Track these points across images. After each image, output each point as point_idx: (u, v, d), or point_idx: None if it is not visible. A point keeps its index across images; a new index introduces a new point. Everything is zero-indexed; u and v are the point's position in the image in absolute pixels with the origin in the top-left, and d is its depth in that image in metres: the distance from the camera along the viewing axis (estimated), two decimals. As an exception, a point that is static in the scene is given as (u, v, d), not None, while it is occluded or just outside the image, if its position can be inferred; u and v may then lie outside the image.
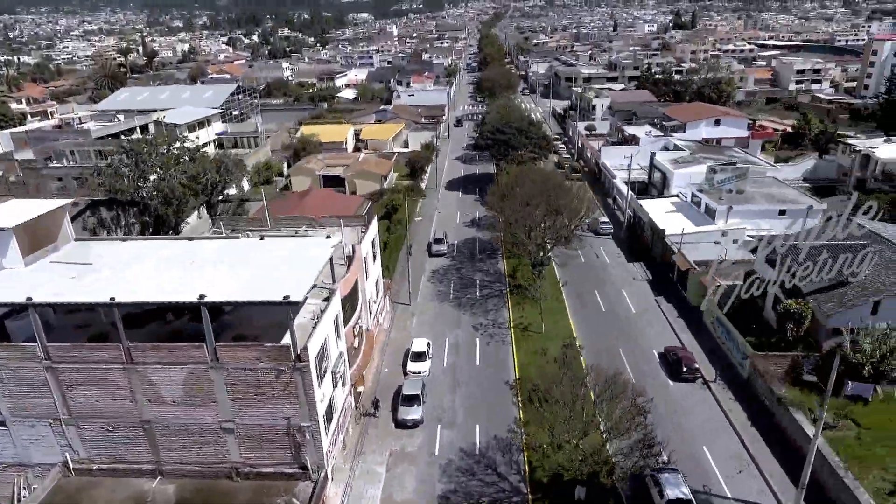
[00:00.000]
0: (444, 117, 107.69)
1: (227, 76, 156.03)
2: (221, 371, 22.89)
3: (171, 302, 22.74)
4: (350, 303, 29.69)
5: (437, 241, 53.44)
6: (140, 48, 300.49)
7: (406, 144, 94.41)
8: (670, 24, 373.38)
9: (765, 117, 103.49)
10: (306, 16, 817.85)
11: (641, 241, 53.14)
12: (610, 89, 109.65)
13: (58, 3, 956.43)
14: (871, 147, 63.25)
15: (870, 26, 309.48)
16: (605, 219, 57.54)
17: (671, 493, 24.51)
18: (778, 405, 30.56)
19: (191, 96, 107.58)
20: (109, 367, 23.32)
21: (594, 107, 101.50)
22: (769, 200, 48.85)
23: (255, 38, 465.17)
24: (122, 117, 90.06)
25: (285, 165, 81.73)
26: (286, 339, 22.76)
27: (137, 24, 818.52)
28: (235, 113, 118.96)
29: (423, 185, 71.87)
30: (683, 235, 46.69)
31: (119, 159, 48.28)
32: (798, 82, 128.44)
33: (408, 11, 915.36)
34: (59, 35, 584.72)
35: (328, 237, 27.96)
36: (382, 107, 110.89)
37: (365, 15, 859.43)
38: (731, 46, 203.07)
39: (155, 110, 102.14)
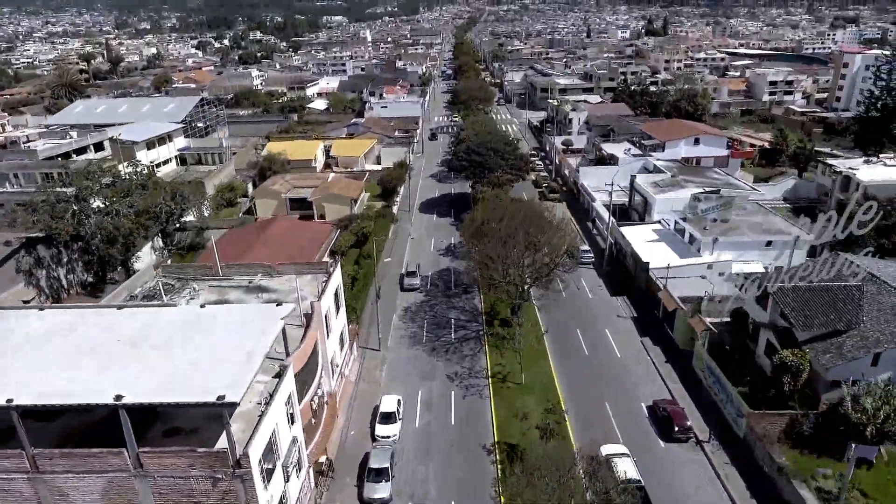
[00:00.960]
0: (419, 130, 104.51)
1: (192, 85, 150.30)
2: (147, 479, 19.33)
3: (82, 404, 19.05)
4: (307, 370, 26.28)
5: (410, 275, 50.21)
6: (104, 53, 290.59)
7: (378, 160, 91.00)
8: (643, 31, 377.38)
9: (741, 131, 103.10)
10: (279, 18, 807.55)
11: (624, 272, 50.79)
12: (586, 101, 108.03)
13: (21, 3, 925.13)
14: (852, 168, 62.23)
15: (834, 34, 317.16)
16: (586, 246, 55.08)
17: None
18: (779, 475, 28.15)
19: (151, 109, 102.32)
20: (11, 477, 19.53)
21: (571, 121, 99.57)
22: (755, 230, 46.93)
23: (225, 41, 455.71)
24: (74, 134, 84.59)
25: (250, 186, 77.51)
26: (224, 441, 19.32)
27: (104, 26, 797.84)
28: (201, 125, 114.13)
29: (395, 207, 68.56)
30: (668, 269, 44.42)
31: (56, 194, 43.81)
32: (771, 93, 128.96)
33: (382, 15, 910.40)
34: (20, 37, 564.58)
35: (279, 304, 24.50)
36: (354, 120, 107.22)
37: (339, 18, 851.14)
38: (702, 55, 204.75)
39: (113, 125, 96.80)
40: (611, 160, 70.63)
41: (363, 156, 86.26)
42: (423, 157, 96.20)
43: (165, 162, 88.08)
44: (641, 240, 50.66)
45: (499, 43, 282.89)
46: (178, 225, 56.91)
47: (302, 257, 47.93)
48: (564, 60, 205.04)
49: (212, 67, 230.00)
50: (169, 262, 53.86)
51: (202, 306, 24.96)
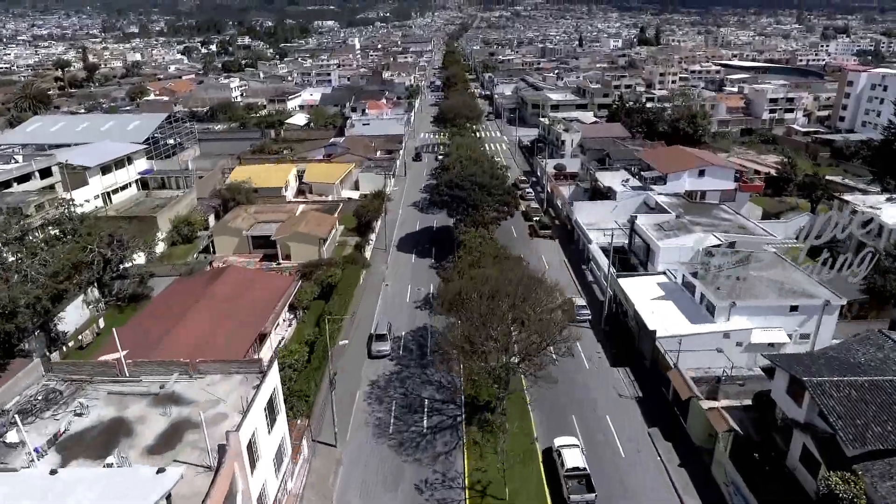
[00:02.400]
0: (401, 151, 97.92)
1: (166, 99, 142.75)
2: None
3: None
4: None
5: (379, 338, 43.43)
6: (82, 60, 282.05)
7: (356, 186, 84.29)
8: (635, 40, 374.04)
9: (742, 154, 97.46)
10: (270, 23, 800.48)
11: (625, 333, 44.34)
12: (579, 120, 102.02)
13: (8, 5, 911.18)
14: (874, 208, 56.39)
15: (827, 45, 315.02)
16: (582, 301, 48.55)
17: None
18: None
19: (114, 127, 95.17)
20: None
21: (563, 142, 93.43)
22: (777, 291, 40.64)
23: (212, 47, 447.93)
24: (20, 157, 77.09)
25: (212, 217, 70.44)
26: None
27: (92, 29, 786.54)
28: (171, 142, 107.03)
29: (369, 248, 61.77)
30: (679, 339, 38.03)
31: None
32: (771, 111, 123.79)
33: (374, 20, 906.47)
34: (2, 40, 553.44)
35: (160, 471, 17.72)
36: (333, 139, 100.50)
37: (331, 23, 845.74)
38: (697, 67, 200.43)
39: (69, 145, 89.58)
40: (608, 193, 64.38)
41: (339, 182, 79.48)
42: (405, 181, 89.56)
43: (124, 187, 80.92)
44: (645, 296, 44.26)
45: (490, 52, 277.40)
46: (117, 273, 49.90)
47: (253, 318, 41.20)
48: (556, 71, 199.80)
49: (193, 76, 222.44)
50: (101, 320, 46.84)
51: (53, 472, 18.12)
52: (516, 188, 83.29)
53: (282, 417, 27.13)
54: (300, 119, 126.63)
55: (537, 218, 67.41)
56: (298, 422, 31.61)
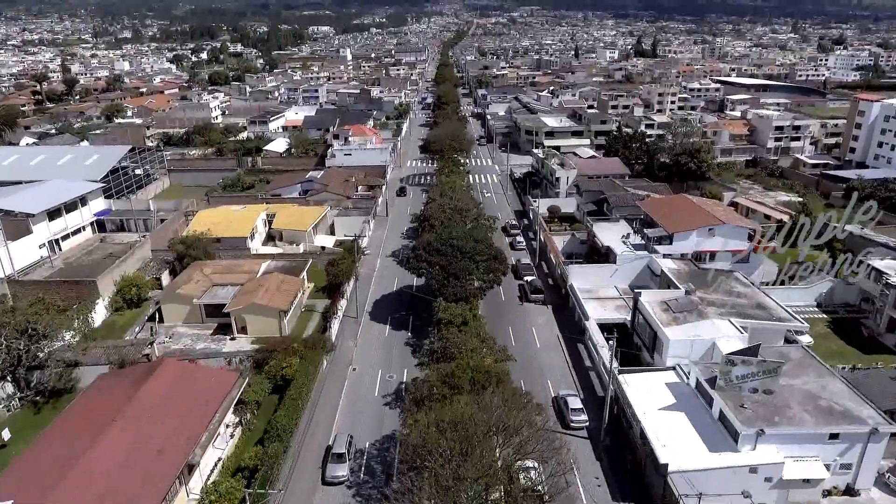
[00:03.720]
0: (384, 188, 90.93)
1: (138, 122, 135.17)
2: None
3: None
4: None
5: (337, 458, 36.28)
6: (64, 72, 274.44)
7: (332, 230, 77.33)
8: (632, 52, 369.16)
9: (750, 195, 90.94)
10: (265, 28, 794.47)
11: (630, 454, 37.36)
12: (575, 154, 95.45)
13: (2, 8, 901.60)
14: (909, 278, 49.83)
15: (826, 59, 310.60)
16: (578, 403, 41.49)
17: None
18: None
19: (71, 162, 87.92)
20: None
21: (558, 179, 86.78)
22: (813, 408, 33.83)
23: (203, 55, 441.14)
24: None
25: (167, 274, 63.18)
26: None
27: (84, 34, 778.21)
28: (139, 171, 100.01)
29: (338, 315, 54.67)
30: (693, 475, 31.15)
31: None
32: (777, 139, 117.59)
33: (370, 26, 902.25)
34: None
35: None
36: (311, 173, 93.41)
37: (326, 28, 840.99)
38: (696, 84, 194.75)
39: (20, 182, 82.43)
40: (607, 253, 57.62)
41: (311, 229, 72.39)
42: (387, 222, 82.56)
43: (76, 232, 73.66)
44: (652, 404, 37.34)
45: (484, 65, 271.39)
46: (34, 362, 42.63)
47: (184, 435, 34.09)
48: (551, 88, 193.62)
49: (176, 91, 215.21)
50: (4, 432, 39.49)
51: None
52: (506, 233, 76.74)
53: None
54: (280, 145, 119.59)
55: (529, 278, 60.40)
56: None
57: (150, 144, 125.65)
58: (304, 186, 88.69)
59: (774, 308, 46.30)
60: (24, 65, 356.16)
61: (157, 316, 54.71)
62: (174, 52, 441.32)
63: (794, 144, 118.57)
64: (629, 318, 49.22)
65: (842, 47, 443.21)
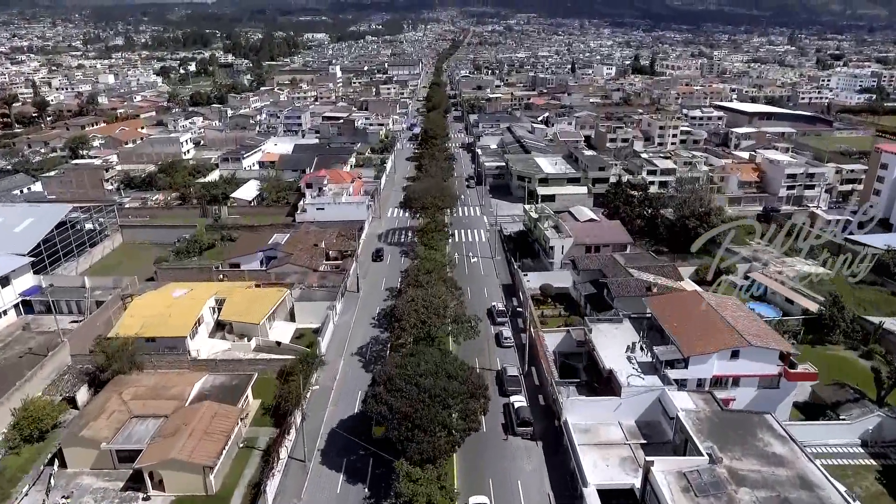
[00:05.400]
0: (357, 254, 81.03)
1: (97, 162, 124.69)
2: None
3: None
4: None
5: None
6: (51, 87, 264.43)
7: (292, 316, 67.44)
8: (629, 69, 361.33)
9: (765, 268, 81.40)
10: (259, 35, 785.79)
11: None
12: (571, 214, 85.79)
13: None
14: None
15: (828, 79, 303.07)
16: None
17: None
18: None
19: None
20: None
21: (552, 248, 77.24)
22: None
23: (191, 67, 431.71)
24: None
25: (84, 390, 53.05)
26: None
27: (75, 41, 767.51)
28: (91, 227, 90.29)
29: (282, 456, 44.71)
30: None
31: None
32: (790, 187, 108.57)
33: (366, 33, 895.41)
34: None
35: None
36: (274, 239, 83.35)
37: (321, 36, 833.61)
38: (698, 113, 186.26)
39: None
40: (609, 380, 47.97)
41: (266, 319, 62.45)
42: (357, 300, 72.63)
43: (-4, 317, 63.75)
44: None
45: (477, 85, 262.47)
46: None
47: None
48: (546, 115, 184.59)
49: (153, 114, 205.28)
50: None
51: None
52: (492, 319, 66.92)
53: None
54: (250, 190, 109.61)
55: (517, 401, 50.37)
56: None
57: (109, 188, 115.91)
58: (266, 254, 78.82)
59: (822, 482, 36.59)
60: (5, 77, 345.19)
61: (56, 459, 44.61)
62: (162, 65, 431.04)
63: (808, 193, 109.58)
64: (638, 481, 39.49)
65: (841, 63, 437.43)
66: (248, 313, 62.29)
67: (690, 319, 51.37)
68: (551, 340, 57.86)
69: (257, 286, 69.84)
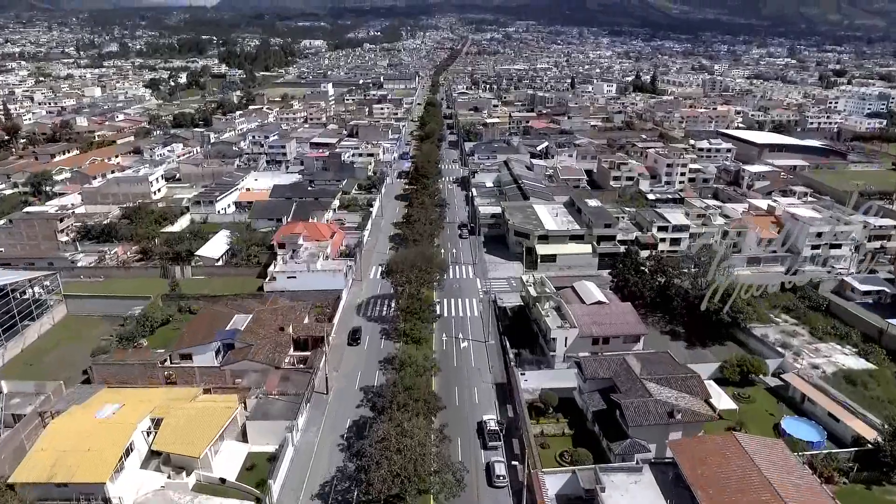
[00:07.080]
0: (329, 342, 70.20)
1: (51, 210, 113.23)
2: None
3: None
4: None
5: None
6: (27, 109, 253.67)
7: (244, 436, 56.67)
8: (630, 87, 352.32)
9: (796, 352, 70.98)
10: (256, 41, 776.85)
11: None
12: (575, 293, 75.46)
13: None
14: None
15: (836, 101, 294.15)
16: None
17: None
18: None
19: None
20: None
21: (554, 339, 66.86)
22: None
23: (182, 78, 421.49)
24: None
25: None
26: None
27: (68, 47, 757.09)
28: (28, 295, 79.48)
29: None
30: None
31: None
32: (814, 247, 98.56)
33: (364, 41, 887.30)
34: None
35: None
36: (235, 319, 72.46)
37: (319, 43, 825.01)
38: (705, 144, 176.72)
39: None
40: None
41: (212, 446, 51.73)
42: (326, 404, 61.94)
43: None
44: None
45: (474, 106, 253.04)
46: None
47: None
48: (546, 146, 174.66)
49: (131, 139, 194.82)
50: None
51: None
52: (482, 441, 56.14)
53: None
54: (219, 246, 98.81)
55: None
56: None
57: (64, 239, 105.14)
58: (223, 340, 68.15)
59: None
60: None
61: None
62: (152, 76, 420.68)
63: (833, 252, 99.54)
64: None
65: (845, 80, 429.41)
66: (187, 442, 51.45)
67: (729, 483, 40.93)
68: (553, 483, 47.46)
69: (206, 391, 59.26)
